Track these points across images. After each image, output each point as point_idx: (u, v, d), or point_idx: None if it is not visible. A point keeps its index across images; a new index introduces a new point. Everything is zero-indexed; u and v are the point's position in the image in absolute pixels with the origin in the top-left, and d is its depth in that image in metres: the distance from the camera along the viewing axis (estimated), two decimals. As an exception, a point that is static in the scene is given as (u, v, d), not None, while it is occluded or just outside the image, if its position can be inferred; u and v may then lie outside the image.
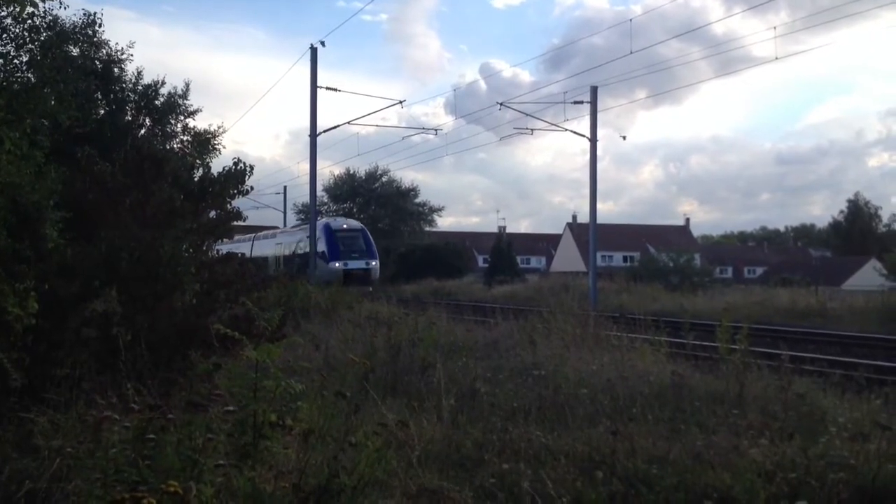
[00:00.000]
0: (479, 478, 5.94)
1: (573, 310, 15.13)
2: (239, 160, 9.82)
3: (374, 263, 44.80)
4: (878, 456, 5.76)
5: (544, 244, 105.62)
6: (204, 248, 9.89)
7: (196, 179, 9.97)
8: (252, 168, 9.86)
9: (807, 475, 5.57)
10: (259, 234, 58.50)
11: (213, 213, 9.90)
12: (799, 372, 9.99)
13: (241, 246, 54.89)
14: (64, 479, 4.80)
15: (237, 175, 9.75)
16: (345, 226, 47.36)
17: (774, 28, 68.74)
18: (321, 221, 46.55)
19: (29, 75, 12.73)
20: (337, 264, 42.86)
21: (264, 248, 53.33)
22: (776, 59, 62.50)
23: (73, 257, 8.74)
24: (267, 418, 5.14)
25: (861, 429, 6.61)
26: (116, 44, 24.52)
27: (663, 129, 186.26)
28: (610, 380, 9.00)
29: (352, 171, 79.36)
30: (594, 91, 37.14)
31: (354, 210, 75.98)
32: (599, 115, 37.17)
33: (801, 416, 7.59)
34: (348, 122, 41.62)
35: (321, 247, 42.69)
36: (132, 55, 24.66)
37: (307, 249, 43.03)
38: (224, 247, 51.71)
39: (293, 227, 60.12)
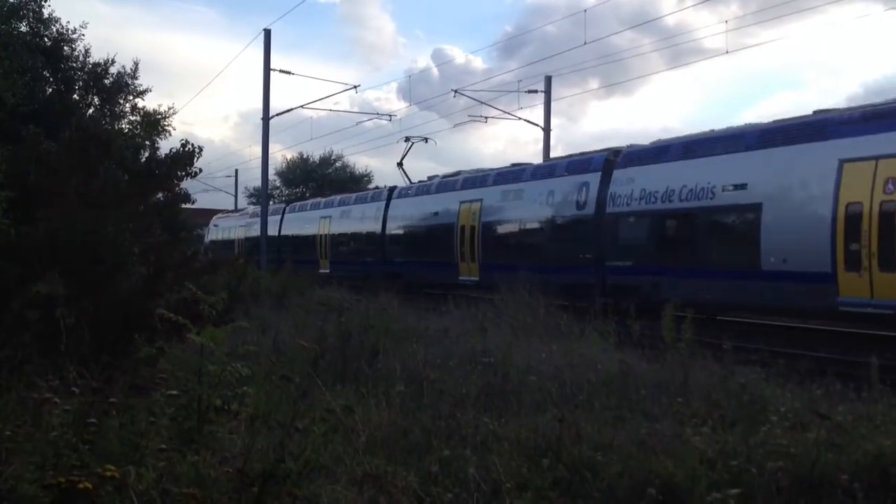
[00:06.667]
0: (425, 463, 5.95)
1: (524, 298, 15.22)
2: (187, 141, 9.65)
3: None
4: (817, 445, 5.87)
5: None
6: (156, 231, 9.74)
7: (143, 161, 9.83)
8: (201, 149, 9.70)
9: (747, 463, 5.67)
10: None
11: (160, 196, 9.76)
12: (742, 362, 10.15)
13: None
14: (3, 463, 4.71)
15: (185, 156, 9.57)
16: None
17: (726, 22, 69.30)
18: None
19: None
20: None
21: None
22: (727, 52, 62.90)
23: (15, 238, 8.56)
24: (212, 403, 5.09)
25: (801, 418, 6.73)
26: (68, 22, 23.87)
27: (615, 120, 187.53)
28: (558, 368, 9.06)
29: (305, 156, 78.58)
30: (548, 80, 37.26)
31: (307, 195, 75.50)
32: (552, 104, 37.30)
33: (743, 405, 7.70)
34: (301, 106, 39.66)
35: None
36: (83, 34, 24.05)
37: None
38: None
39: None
